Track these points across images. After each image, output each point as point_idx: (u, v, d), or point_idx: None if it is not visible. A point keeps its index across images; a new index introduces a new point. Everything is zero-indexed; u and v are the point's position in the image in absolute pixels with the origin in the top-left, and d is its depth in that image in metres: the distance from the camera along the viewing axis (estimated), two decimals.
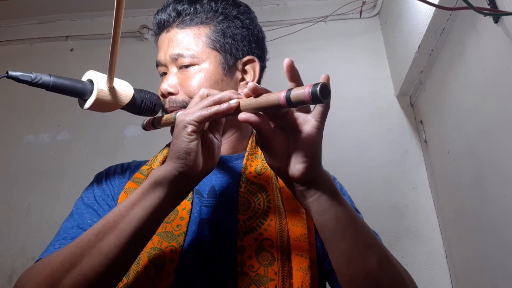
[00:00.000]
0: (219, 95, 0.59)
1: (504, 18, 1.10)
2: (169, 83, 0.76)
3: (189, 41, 0.77)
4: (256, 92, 0.55)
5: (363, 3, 1.91)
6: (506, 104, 1.14)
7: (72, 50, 2.24)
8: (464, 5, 0.96)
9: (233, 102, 0.57)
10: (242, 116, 0.55)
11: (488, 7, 1.12)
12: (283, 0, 2.24)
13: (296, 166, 0.56)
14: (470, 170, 1.41)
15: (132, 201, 0.58)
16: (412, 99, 1.94)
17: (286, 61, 0.54)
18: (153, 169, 0.74)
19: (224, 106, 0.57)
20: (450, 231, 1.65)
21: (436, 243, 1.72)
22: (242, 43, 0.81)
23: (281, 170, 0.58)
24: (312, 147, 0.56)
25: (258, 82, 0.83)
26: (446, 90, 1.56)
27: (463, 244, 1.53)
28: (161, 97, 0.78)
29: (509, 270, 1.20)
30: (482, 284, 1.39)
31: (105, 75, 0.65)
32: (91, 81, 0.65)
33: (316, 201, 0.58)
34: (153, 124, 0.74)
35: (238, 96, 0.59)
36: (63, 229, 0.71)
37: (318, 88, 0.48)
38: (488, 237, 1.32)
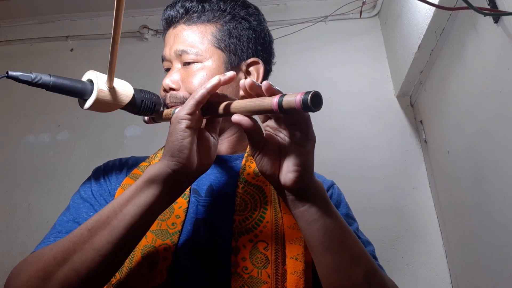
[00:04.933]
0: (208, 85, 0.59)
1: (504, 18, 1.10)
2: (171, 79, 0.77)
3: (195, 39, 0.77)
4: (254, 89, 0.55)
5: (363, 3, 1.91)
6: (506, 104, 1.14)
7: (72, 50, 2.23)
8: (464, 5, 0.96)
9: (214, 80, 0.58)
10: (235, 117, 0.55)
11: (488, 7, 1.12)
12: (283, 0, 2.24)
13: (288, 174, 0.56)
14: (470, 170, 1.41)
15: (126, 197, 0.58)
16: (412, 99, 1.94)
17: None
18: None
19: (208, 85, 0.58)
20: (450, 231, 1.65)
21: (436, 243, 1.72)
22: (248, 45, 0.81)
23: (273, 177, 0.58)
24: (303, 156, 0.55)
25: None
26: (446, 90, 1.56)
27: (463, 244, 1.53)
28: (163, 92, 0.79)
29: (509, 270, 1.20)
30: (482, 284, 1.39)
31: (105, 75, 0.65)
32: (91, 81, 0.65)
33: (306, 211, 0.58)
34: (154, 118, 0.75)
35: (225, 77, 0.60)
36: (58, 222, 0.71)
37: (309, 96, 0.47)
38: (488, 237, 1.32)
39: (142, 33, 2.18)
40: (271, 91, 0.53)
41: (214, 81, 0.58)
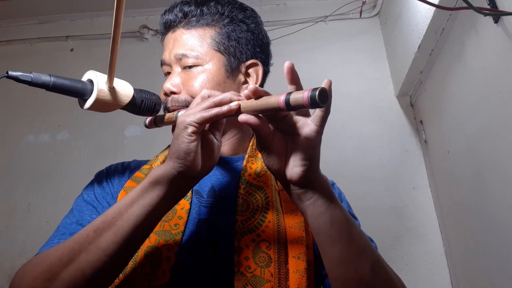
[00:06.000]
0: (220, 96, 0.60)
1: (504, 18, 1.10)
2: (172, 83, 0.77)
3: (194, 42, 0.78)
4: (257, 94, 0.56)
5: (363, 3, 1.91)
6: (506, 104, 1.14)
7: (72, 50, 2.24)
8: (464, 5, 0.97)
9: (233, 104, 0.58)
10: (242, 117, 0.56)
11: (488, 7, 1.12)
12: (283, 0, 2.24)
13: (294, 169, 0.57)
14: (470, 170, 1.41)
15: (131, 198, 0.58)
16: (412, 99, 1.94)
17: (286, 64, 0.54)
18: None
19: (224, 108, 0.57)
20: (450, 231, 1.65)
21: (436, 243, 1.72)
22: (247, 47, 0.82)
23: (279, 172, 0.58)
24: (310, 150, 0.56)
25: (261, 86, 0.84)
26: (446, 90, 1.56)
27: (463, 244, 1.53)
28: (163, 96, 0.79)
29: (509, 270, 1.20)
30: (482, 284, 1.39)
31: (105, 75, 0.65)
32: (91, 81, 0.65)
33: (312, 205, 0.58)
34: (155, 122, 0.75)
35: (239, 97, 0.59)
36: (62, 225, 0.72)
37: (317, 93, 0.48)
38: (488, 237, 1.32)
39: (142, 33, 2.18)
40: (258, 94, 0.55)
41: (233, 106, 0.58)
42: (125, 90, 0.68)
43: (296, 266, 0.65)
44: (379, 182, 1.83)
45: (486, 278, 1.35)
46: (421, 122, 1.87)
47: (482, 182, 1.32)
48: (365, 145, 1.90)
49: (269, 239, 0.67)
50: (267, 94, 0.56)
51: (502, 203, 1.20)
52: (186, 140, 0.56)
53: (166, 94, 0.78)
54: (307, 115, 0.56)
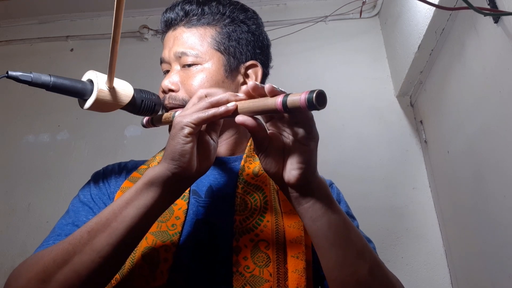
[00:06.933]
0: (217, 97, 0.59)
1: (504, 18, 1.10)
2: (170, 80, 0.77)
3: (194, 41, 0.78)
4: (257, 91, 0.55)
5: (363, 3, 1.91)
6: (506, 104, 1.14)
7: (72, 50, 2.24)
8: (464, 5, 0.97)
9: (230, 105, 0.57)
10: (239, 118, 0.55)
11: (488, 7, 1.12)
12: (283, 0, 2.24)
13: (291, 172, 0.56)
14: (470, 170, 1.41)
15: (126, 200, 0.58)
16: (412, 99, 1.95)
17: (266, 87, 0.53)
18: None
19: (221, 109, 0.57)
20: (450, 231, 1.65)
21: (436, 243, 1.72)
22: (247, 48, 0.81)
23: (277, 175, 0.58)
24: (307, 154, 0.55)
25: None
26: (446, 90, 1.56)
27: (463, 244, 1.53)
28: (161, 93, 0.79)
29: (509, 270, 1.20)
30: (482, 284, 1.39)
31: (105, 75, 0.65)
32: (91, 81, 0.65)
33: (310, 208, 0.58)
34: (153, 122, 0.75)
35: (236, 98, 0.59)
36: (58, 226, 0.72)
37: (314, 95, 0.48)
38: (488, 237, 1.32)
39: (142, 33, 2.18)
40: (275, 93, 0.53)
41: (230, 106, 0.57)
42: (125, 90, 0.68)
43: (295, 265, 0.65)
44: (379, 182, 1.83)
45: (486, 278, 1.35)
46: (421, 122, 1.87)
47: (482, 182, 1.32)
48: (365, 145, 1.90)
49: (268, 239, 0.67)
50: (265, 93, 0.55)
51: (502, 203, 1.20)
52: (181, 141, 0.56)
53: (164, 92, 0.78)
54: (303, 118, 0.55)
